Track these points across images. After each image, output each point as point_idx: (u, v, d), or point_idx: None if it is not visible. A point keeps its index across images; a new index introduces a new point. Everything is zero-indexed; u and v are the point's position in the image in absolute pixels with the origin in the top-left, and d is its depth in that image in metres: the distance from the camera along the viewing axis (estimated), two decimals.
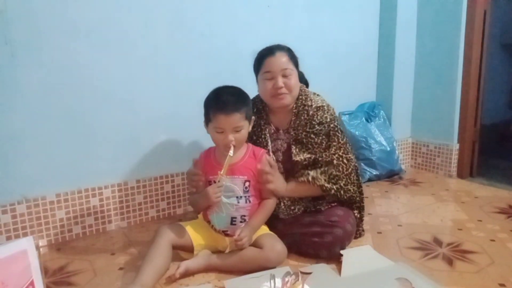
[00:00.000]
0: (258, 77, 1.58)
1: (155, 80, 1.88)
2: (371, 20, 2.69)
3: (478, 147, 2.65)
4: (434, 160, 2.70)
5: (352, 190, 1.58)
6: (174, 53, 1.92)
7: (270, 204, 1.47)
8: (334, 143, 1.55)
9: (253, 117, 1.45)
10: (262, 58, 1.54)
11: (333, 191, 1.52)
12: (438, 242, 1.64)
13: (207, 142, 1.51)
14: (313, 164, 1.55)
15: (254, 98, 1.65)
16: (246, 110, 1.38)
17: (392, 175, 2.62)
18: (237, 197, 1.41)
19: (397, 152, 2.62)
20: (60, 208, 1.72)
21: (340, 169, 1.54)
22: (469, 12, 2.43)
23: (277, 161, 1.60)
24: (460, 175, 2.60)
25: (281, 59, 1.51)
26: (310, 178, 1.51)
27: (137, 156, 1.90)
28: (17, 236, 1.63)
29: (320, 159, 1.54)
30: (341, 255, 1.44)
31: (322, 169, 1.53)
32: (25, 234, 1.64)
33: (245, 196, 1.42)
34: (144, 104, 1.87)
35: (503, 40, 3.61)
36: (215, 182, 1.38)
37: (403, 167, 2.73)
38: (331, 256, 1.47)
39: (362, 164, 2.51)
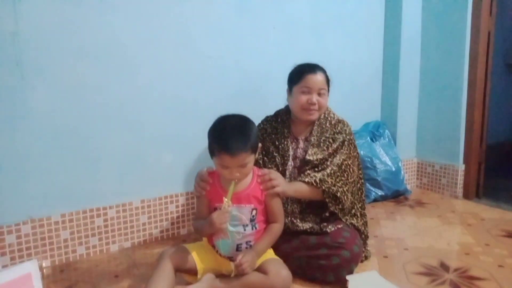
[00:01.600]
0: (293, 89, 1.66)
1: (161, 100, 1.90)
2: (376, 40, 2.71)
3: (484, 167, 2.64)
4: (440, 181, 2.68)
5: (350, 200, 1.62)
6: (181, 74, 1.94)
7: (276, 228, 1.45)
8: (346, 152, 1.63)
9: (260, 145, 1.44)
10: (304, 73, 1.64)
11: (338, 194, 1.56)
12: (445, 267, 1.61)
13: (212, 162, 1.50)
14: (322, 165, 1.59)
15: (279, 111, 1.78)
16: (252, 145, 1.33)
17: (397, 196, 2.60)
18: (243, 225, 1.40)
19: (402, 172, 2.61)
20: (64, 229, 1.72)
21: (346, 175, 1.61)
22: (473, 33, 2.45)
23: (294, 167, 1.67)
24: (466, 196, 2.58)
25: (320, 78, 1.63)
26: (317, 180, 1.53)
27: (142, 175, 1.90)
28: (21, 257, 1.63)
29: (329, 159, 1.60)
30: (347, 280, 1.42)
31: (328, 171, 1.56)
32: (29, 255, 1.64)
33: (252, 224, 1.41)
34: (149, 124, 1.88)
35: (507, 59, 3.62)
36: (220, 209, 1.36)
37: (408, 187, 2.71)
38: (338, 279, 1.46)
39: (367, 184, 2.50)
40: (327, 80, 1.67)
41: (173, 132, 1.95)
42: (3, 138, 1.56)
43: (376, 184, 2.51)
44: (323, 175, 1.55)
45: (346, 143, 1.64)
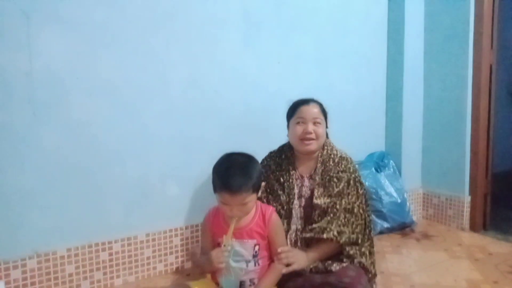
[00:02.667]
0: (290, 122, 1.70)
1: (167, 134, 1.94)
2: (379, 73, 2.76)
3: (490, 198, 2.62)
4: (446, 212, 2.66)
5: (361, 239, 1.62)
6: (187, 108, 1.98)
7: (280, 267, 1.45)
8: (354, 192, 1.62)
9: (262, 183, 1.46)
10: (297, 105, 1.69)
11: (359, 240, 1.57)
12: None
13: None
14: (331, 209, 1.58)
15: (283, 146, 1.78)
16: (253, 185, 1.35)
17: (403, 227, 2.58)
18: (246, 261, 1.40)
19: (408, 203, 2.59)
20: (70, 263, 1.73)
21: (359, 217, 1.61)
22: (475, 66, 2.48)
23: (300, 206, 1.66)
24: (473, 228, 2.55)
25: (314, 109, 1.66)
26: (336, 234, 1.53)
27: (148, 209, 1.91)
28: None
29: (337, 202, 1.59)
30: None
31: (342, 219, 1.56)
32: None
33: (254, 260, 1.41)
34: (156, 158, 1.91)
35: (511, 89, 3.65)
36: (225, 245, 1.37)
37: (414, 218, 2.68)
38: None
39: (373, 215, 2.48)
40: (323, 112, 1.70)
41: (179, 165, 1.97)
42: (12, 173, 1.60)
43: (382, 216, 2.49)
44: (338, 226, 1.54)
45: (351, 182, 1.63)
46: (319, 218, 1.60)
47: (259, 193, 1.46)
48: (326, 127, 1.73)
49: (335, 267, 1.54)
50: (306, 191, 1.68)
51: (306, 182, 1.69)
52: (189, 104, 1.98)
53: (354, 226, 1.57)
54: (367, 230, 1.71)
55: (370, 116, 2.74)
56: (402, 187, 2.61)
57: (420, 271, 1.94)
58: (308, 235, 1.59)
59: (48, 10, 1.62)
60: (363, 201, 1.67)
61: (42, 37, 1.62)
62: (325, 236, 1.53)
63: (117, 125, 1.81)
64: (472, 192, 2.54)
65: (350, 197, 1.61)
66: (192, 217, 2.01)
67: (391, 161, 2.70)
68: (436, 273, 1.92)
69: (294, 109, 1.69)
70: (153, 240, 1.93)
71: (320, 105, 1.71)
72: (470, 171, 2.55)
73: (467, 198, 2.54)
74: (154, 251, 1.93)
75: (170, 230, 1.98)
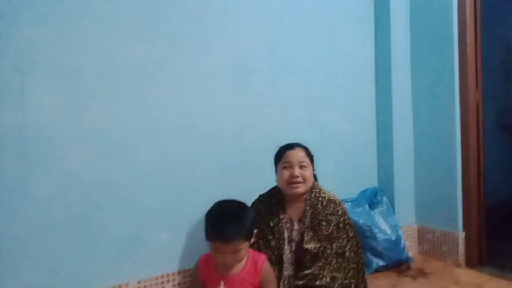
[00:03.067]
0: (277, 167, 1.76)
1: (159, 179, 1.95)
2: (368, 111, 2.81)
3: (485, 231, 2.62)
4: (441, 248, 2.65)
5: (353, 284, 1.62)
6: (180, 153, 2.00)
7: None
8: (344, 236, 1.65)
9: (255, 231, 1.47)
10: (283, 151, 1.76)
11: (353, 285, 1.58)
12: None
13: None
14: (322, 253, 1.59)
15: (272, 189, 1.82)
16: (246, 233, 1.38)
17: (399, 264, 2.56)
18: None
19: (402, 240, 2.58)
20: None
21: (351, 260, 1.62)
22: (462, 104, 2.53)
23: (290, 251, 1.67)
24: (469, 264, 2.53)
25: (299, 153, 1.73)
26: (328, 280, 1.54)
27: (139, 255, 1.90)
28: None
29: (328, 246, 1.60)
30: None
31: (334, 264, 1.57)
32: None
33: None
34: (148, 204, 1.91)
35: (500, 121, 3.72)
36: None
37: (410, 254, 2.67)
38: None
39: (368, 254, 2.47)
40: (308, 155, 1.76)
41: (171, 210, 1.97)
42: (3, 225, 1.59)
43: (377, 253, 2.47)
44: (331, 271, 1.56)
45: (341, 225, 1.65)
46: (311, 263, 1.61)
47: (252, 240, 1.47)
48: (313, 169, 1.78)
49: None
50: (296, 235, 1.69)
51: (296, 226, 1.71)
52: (181, 149, 2.01)
53: (346, 270, 1.58)
54: (361, 274, 1.72)
55: (361, 153, 2.77)
56: (396, 224, 2.61)
57: None
58: (300, 282, 1.59)
59: (42, 65, 1.66)
60: (354, 244, 1.69)
61: (35, 91, 1.65)
62: (318, 283, 1.53)
63: (108, 173, 1.82)
64: (466, 228, 2.55)
65: (340, 241, 1.63)
66: (185, 262, 2.00)
67: (384, 197, 2.71)
68: None
69: (280, 155, 1.76)
70: (145, 287, 1.91)
71: (305, 149, 1.78)
72: (463, 207, 2.56)
73: (461, 234, 2.54)
74: None
75: (162, 276, 1.95)
